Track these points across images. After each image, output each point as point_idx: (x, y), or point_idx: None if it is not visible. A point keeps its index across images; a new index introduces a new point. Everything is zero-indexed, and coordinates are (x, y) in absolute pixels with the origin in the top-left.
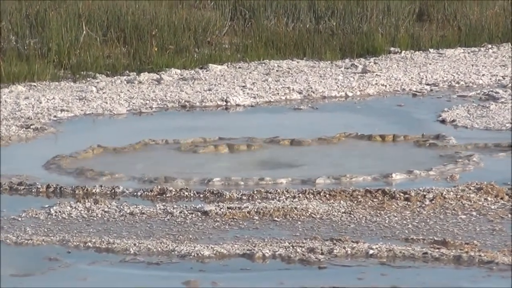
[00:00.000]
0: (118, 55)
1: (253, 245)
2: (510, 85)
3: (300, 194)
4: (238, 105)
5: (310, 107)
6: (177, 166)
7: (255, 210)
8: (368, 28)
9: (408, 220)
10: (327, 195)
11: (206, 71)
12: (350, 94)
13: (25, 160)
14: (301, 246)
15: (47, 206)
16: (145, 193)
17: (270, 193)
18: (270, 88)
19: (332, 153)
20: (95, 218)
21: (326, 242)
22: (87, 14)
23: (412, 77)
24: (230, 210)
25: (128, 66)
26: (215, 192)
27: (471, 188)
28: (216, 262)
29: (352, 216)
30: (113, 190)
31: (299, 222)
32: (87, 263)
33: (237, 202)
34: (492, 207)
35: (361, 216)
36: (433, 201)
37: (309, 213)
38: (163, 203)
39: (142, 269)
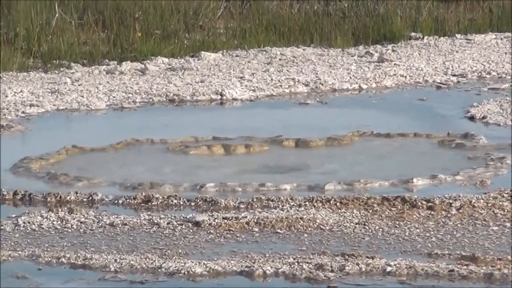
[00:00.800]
0: (96, 42)
1: (253, 261)
2: None
3: (307, 202)
4: (235, 99)
5: (318, 101)
6: (165, 170)
7: (255, 220)
8: (385, 10)
9: (432, 232)
10: (337, 204)
11: (197, 60)
12: (364, 86)
13: None
14: (307, 262)
15: (14, 216)
16: (128, 201)
17: (272, 201)
18: (272, 79)
19: (343, 155)
20: (69, 230)
21: (336, 258)
22: None
23: (436, 67)
24: (225, 220)
25: (107, 54)
26: (208, 199)
27: (504, 195)
28: (209, 280)
29: (367, 228)
30: (90, 198)
31: (306, 235)
32: (61, 282)
33: (233, 212)
34: None
35: (377, 227)
36: (461, 210)
37: (317, 224)
38: (149, 213)
39: None
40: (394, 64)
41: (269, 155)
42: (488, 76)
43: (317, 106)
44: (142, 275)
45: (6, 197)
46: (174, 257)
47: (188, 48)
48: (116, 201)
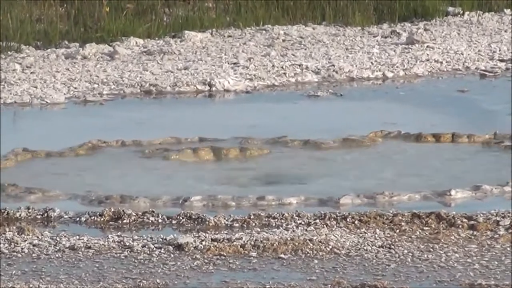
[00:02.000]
0: (52, 18)
1: None
2: None
3: (318, 220)
4: (227, 90)
5: (331, 93)
6: (139, 179)
7: (252, 243)
8: None
9: (474, 258)
10: (356, 222)
11: (180, 42)
12: (389, 74)
13: None
14: None
15: None
16: (93, 218)
17: (274, 218)
18: (273, 66)
19: (363, 160)
20: (19, 255)
21: None
22: None
23: (479, 50)
24: (215, 243)
25: (67, 34)
26: (193, 216)
27: None
28: None
29: (393, 252)
30: (45, 215)
31: (316, 261)
32: None
33: (225, 232)
34: None
35: (405, 251)
36: (510, 230)
37: (331, 247)
38: (119, 233)
39: None
40: (427, 46)
41: (270, 161)
42: None
43: (330, 99)
44: None
45: None
46: None
47: (168, 27)
48: (78, 219)
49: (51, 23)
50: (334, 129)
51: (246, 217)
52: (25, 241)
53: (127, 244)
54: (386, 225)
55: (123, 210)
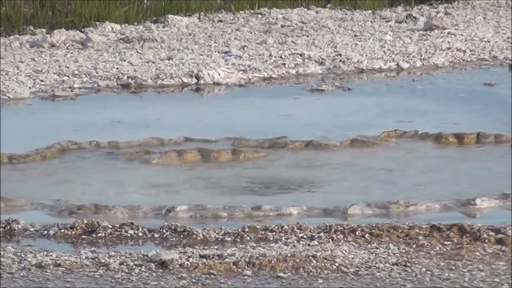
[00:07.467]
0: (15, 1)
1: None
2: None
3: (322, 233)
4: (217, 83)
5: (337, 86)
6: (116, 187)
7: (247, 259)
8: None
9: (503, 277)
10: (366, 235)
11: (163, 27)
12: (404, 65)
13: None
14: None
15: None
16: (63, 231)
17: (272, 231)
18: (270, 55)
19: (375, 164)
20: None
21: None
22: None
23: (508, 37)
24: (204, 259)
25: (32, 18)
26: (179, 229)
27: None
28: None
29: (409, 270)
30: (8, 227)
31: (320, 280)
32: None
33: (216, 247)
34: None
35: (423, 269)
36: None
37: (337, 264)
38: (93, 249)
39: None
40: (448, 33)
41: (268, 165)
42: None
43: (336, 93)
44: None
45: None
46: None
47: (149, 10)
48: (45, 232)
49: (14, 6)
50: (341, 128)
51: (239, 230)
52: None
53: (103, 261)
54: (401, 239)
55: (97, 222)
